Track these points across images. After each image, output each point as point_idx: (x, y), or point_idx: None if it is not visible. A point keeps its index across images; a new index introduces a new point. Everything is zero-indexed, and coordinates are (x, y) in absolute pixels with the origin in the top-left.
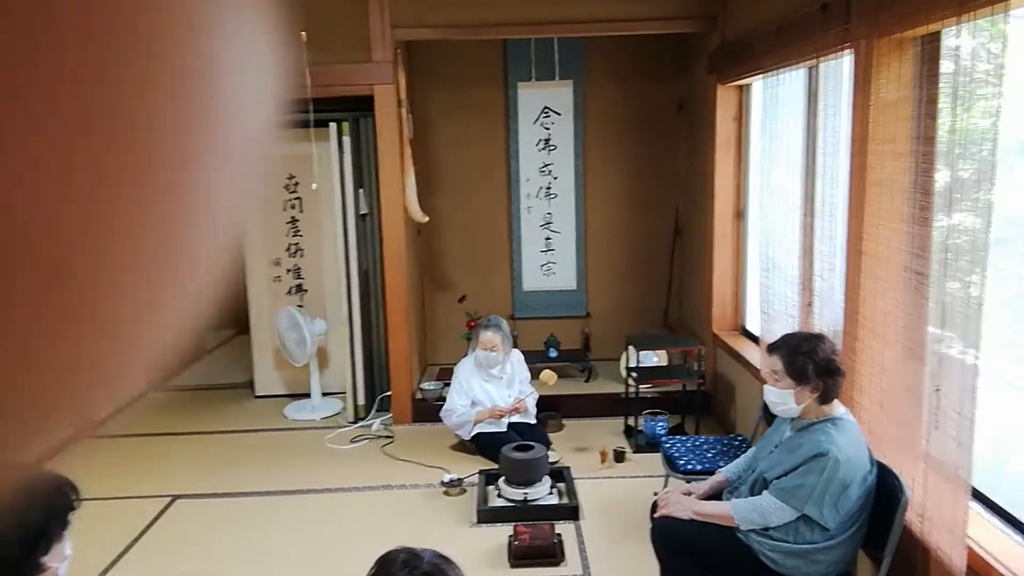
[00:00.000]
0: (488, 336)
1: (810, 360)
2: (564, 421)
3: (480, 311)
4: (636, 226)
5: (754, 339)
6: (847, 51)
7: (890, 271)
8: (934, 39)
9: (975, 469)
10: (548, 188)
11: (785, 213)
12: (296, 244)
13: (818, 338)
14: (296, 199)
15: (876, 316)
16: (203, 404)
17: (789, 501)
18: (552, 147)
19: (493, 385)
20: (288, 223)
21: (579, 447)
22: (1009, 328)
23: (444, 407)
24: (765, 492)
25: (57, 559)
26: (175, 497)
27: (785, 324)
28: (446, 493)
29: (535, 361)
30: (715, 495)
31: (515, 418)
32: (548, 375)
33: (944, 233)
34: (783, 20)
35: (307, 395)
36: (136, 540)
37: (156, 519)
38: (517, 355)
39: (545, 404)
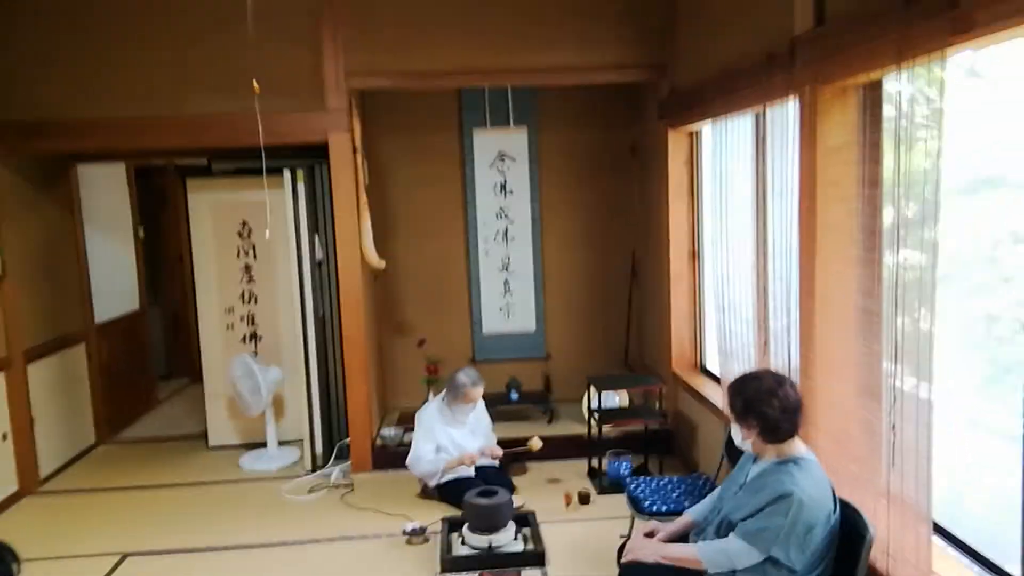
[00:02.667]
0: (474, 392)
1: (741, 399)
2: (528, 464)
3: (440, 355)
4: (593, 267)
5: (714, 378)
6: (792, 98)
7: (842, 310)
8: (875, 86)
9: (936, 503)
10: (505, 232)
11: (739, 254)
12: (250, 291)
13: (756, 377)
14: (250, 246)
15: (829, 354)
16: (154, 456)
17: (755, 543)
18: (508, 191)
19: (457, 431)
20: (242, 270)
21: (544, 490)
22: (960, 363)
23: (411, 455)
24: (731, 534)
25: None
26: (125, 555)
27: (742, 363)
28: (409, 542)
29: (496, 404)
30: (682, 537)
31: (481, 462)
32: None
33: (892, 271)
34: (730, 68)
35: (263, 444)
36: None
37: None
38: (480, 403)
39: (507, 448)
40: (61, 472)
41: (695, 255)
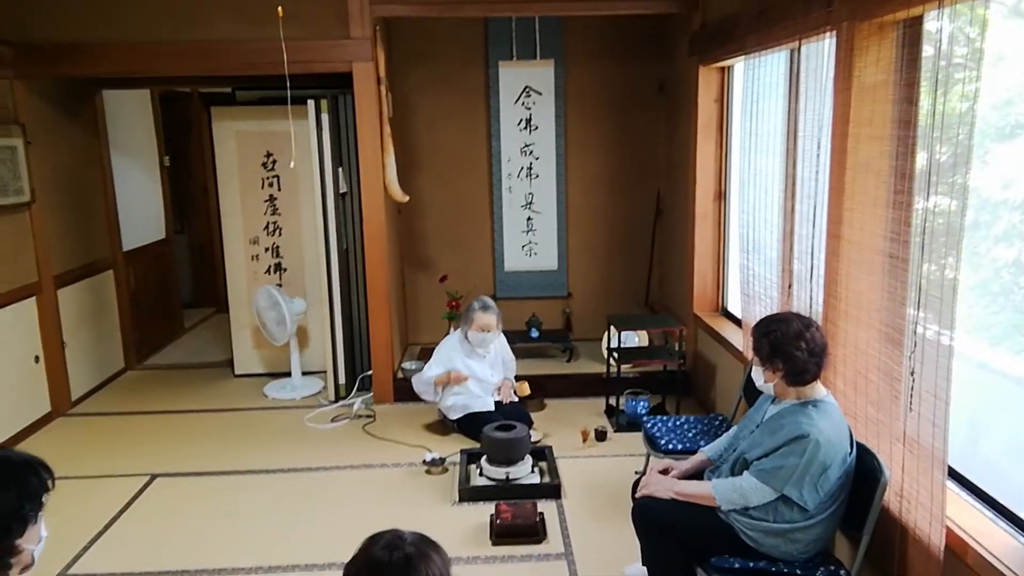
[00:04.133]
0: (486, 319)
1: (768, 342)
2: (546, 401)
3: (461, 291)
4: (617, 207)
5: (735, 320)
6: (829, 34)
7: (868, 254)
8: (915, 23)
9: (951, 449)
10: (530, 168)
11: (766, 195)
12: (275, 223)
13: (783, 320)
14: (274, 177)
15: (853, 299)
16: (181, 382)
17: (769, 482)
18: (533, 127)
19: (475, 362)
20: (266, 201)
21: (561, 426)
22: (983, 310)
23: (417, 375)
24: (746, 472)
25: (32, 541)
26: (154, 475)
27: (765, 305)
28: (428, 472)
29: (517, 341)
30: (696, 475)
31: (498, 397)
32: (524, 387)
33: (921, 216)
34: (766, 2)
35: (287, 374)
36: (116, 518)
37: (135, 497)
38: (500, 337)
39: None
40: (91, 395)
41: (721, 195)
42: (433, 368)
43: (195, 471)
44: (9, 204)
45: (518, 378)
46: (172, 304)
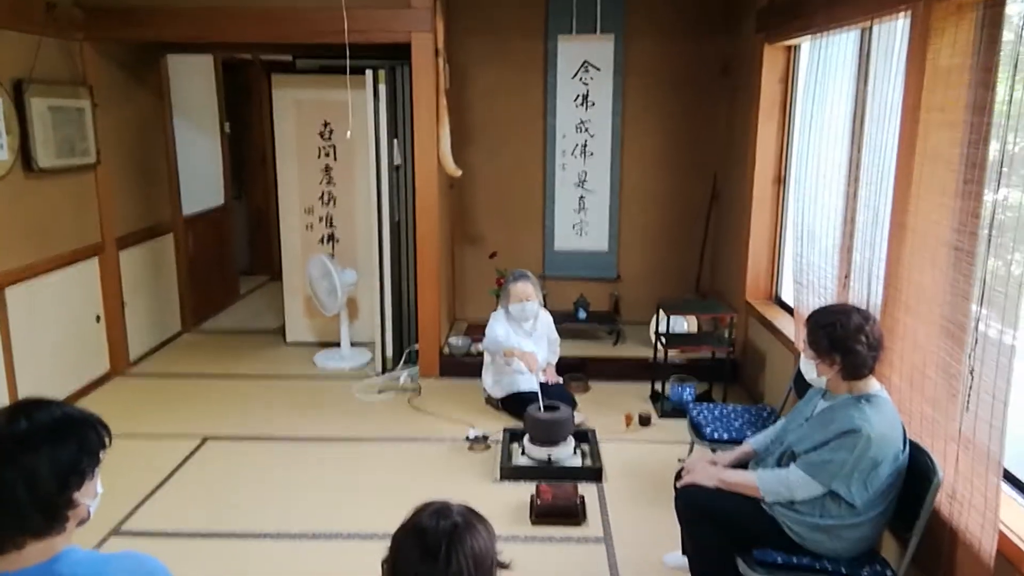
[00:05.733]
0: (520, 287)
1: (826, 335)
2: (590, 383)
3: (510, 268)
4: (672, 188)
5: (788, 309)
6: (904, 13)
7: (932, 245)
8: (996, 4)
9: (1008, 451)
10: (584, 145)
11: (827, 181)
12: (329, 192)
13: (843, 312)
14: (330, 147)
15: (914, 291)
16: (235, 347)
17: (817, 476)
18: (590, 103)
19: (521, 338)
20: (322, 171)
21: (605, 410)
22: None
23: (487, 336)
24: (793, 465)
25: (89, 496)
26: (206, 438)
27: (820, 296)
28: (470, 448)
29: (563, 321)
30: (741, 465)
31: (543, 378)
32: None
33: (990, 208)
34: None
35: (337, 344)
36: (167, 478)
37: (187, 459)
38: (546, 316)
39: (571, 366)
40: (149, 356)
41: (780, 180)
42: (495, 326)
43: (245, 435)
44: (76, 165)
45: (564, 366)
46: (228, 270)
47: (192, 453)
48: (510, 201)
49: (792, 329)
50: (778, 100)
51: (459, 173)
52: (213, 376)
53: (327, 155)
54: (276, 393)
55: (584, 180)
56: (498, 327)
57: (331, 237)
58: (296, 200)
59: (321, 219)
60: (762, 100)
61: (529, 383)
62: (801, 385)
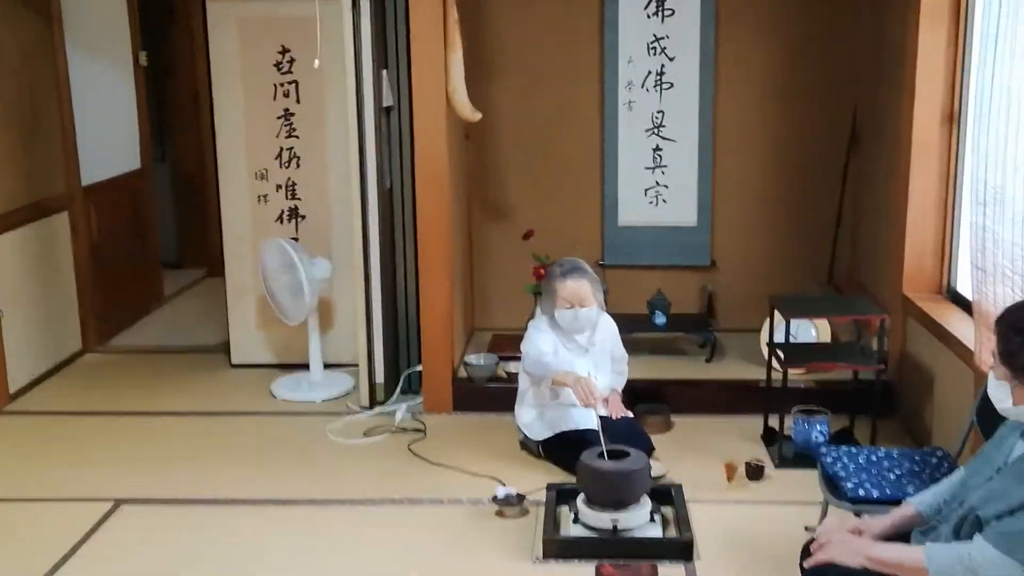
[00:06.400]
0: (571, 286)
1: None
2: (673, 418)
3: (553, 254)
4: (791, 132)
5: (966, 307)
6: None
7: None
8: None
9: None
10: (660, 73)
11: (1022, 119)
12: (291, 149)
13: None
14: (291, 84)
15: None
16: (158, 372)
17: (1014, 553)
18: (667, 11)
19: (574, 356)
20: (280, 118)
21: (695, 456)
22: None
23: (525, 348)
24: (977, 536)
25: None
26: (118, 501)
27: (1013, 287)
28: (500, 513)
29: (633, 330)
30: (899, 536)
31: (604, 411)
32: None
33: None
34: None
35: (304, 366)
36: (63, 560)
37: (92, 532)
38: (608, 323)
39: (646, 393)
40: (36, 386)
41: (953, 117)
42: (535, 338)
43: (173, 498)
44: None
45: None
46: (148, 261)
47: (99, 523)
48: (552, 157)
49: (972, 336)
50: (948, 2)
51: (478, 117)
52: (128, 414)
53: (286, 96)
54: (217, 437)
55: (661, 123)
56: (541, 341)
57: (294, 213)
58: (243, 161)
59: (279, 187)
60: (923, 3)
61: (585, 419)
62: (988, 419)
